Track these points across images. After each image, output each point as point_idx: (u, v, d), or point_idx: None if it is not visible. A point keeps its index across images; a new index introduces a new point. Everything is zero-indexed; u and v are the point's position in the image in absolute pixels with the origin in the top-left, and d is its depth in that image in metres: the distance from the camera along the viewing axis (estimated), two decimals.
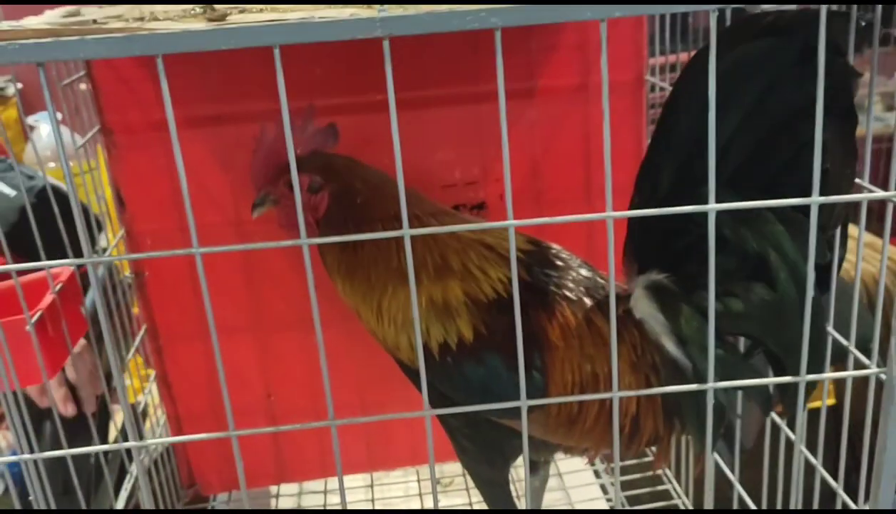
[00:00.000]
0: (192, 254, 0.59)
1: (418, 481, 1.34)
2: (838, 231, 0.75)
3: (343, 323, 1.22)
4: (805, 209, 0.70)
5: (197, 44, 0.51)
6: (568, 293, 0.86)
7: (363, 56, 1.08)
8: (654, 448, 0.90)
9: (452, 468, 1.36)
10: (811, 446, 0.97)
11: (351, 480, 1.35)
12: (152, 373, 1.26)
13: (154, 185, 1.12)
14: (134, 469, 1.17)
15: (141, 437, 1.23)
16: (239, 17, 0.57)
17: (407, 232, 0.59)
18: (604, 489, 1.32)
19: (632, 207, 0.85)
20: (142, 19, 0.61)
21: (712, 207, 0.61)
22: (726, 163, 0.74)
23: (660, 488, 1.25)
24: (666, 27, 1.19)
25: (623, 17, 0.53)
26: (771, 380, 0.71)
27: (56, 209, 0.95)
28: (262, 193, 0.87)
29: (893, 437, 0.61)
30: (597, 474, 1.36)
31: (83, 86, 1.09)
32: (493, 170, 1.17)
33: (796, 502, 0.73)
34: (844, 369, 0.79)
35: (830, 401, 1.97)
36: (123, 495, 1.13)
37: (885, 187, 0.68)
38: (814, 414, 0.95)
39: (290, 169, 0.57)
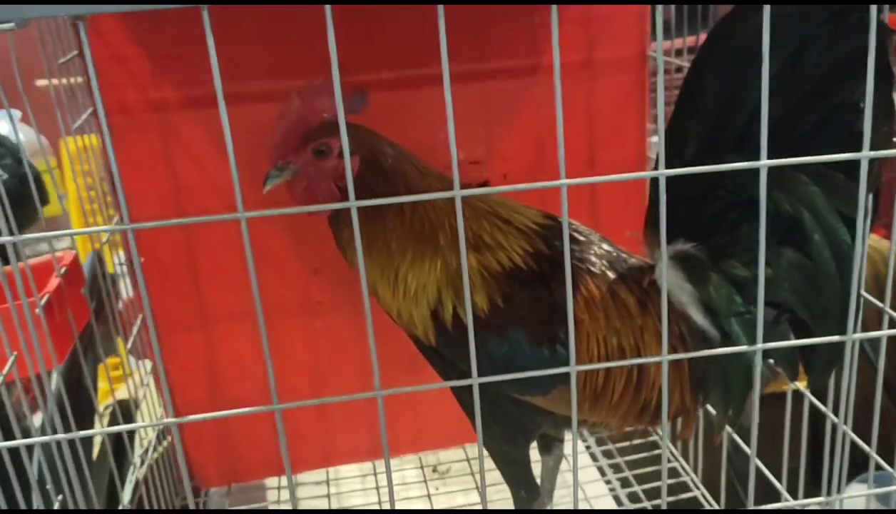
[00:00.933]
0: (237, 219, 0.55)
1: (422, 467, 1.32)
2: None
3: (348, 307, 1.21)
4: (841, 167, 0.70)
5: None
6: (591, 267, 0.85)
7: (370, 32, 1.06)
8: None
9: (449, 456, 1.34)
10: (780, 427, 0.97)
11: (347, 470, 1.33)
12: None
13: (151, 169, 1.09)
14: (136, 460, 1.13)
15: (131, 441, 1.19)
16: None
17: (458, 193, 0.57)
18: (601, 471, 1.31)
19: (654, 177, 0.84)
20: None
21: (764, 163, 0.60)
22: (757, 127, 0.73)
23: (668, 465, 1.24)
24: (683, 11, 1.17)
25: None
26: (823, 339, 0.70)
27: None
28: (280, 163, 0.83)
29: None
30: (593, 456, 1.35)
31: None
32: (497, 150, 1.16)
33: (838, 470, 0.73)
34: None
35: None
36: (128, 487, 1.09)
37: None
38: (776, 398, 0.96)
39: (340, 129, 0.54)
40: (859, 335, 0.66)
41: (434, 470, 1.33)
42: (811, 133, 0.73)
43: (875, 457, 0.76)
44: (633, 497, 1.21)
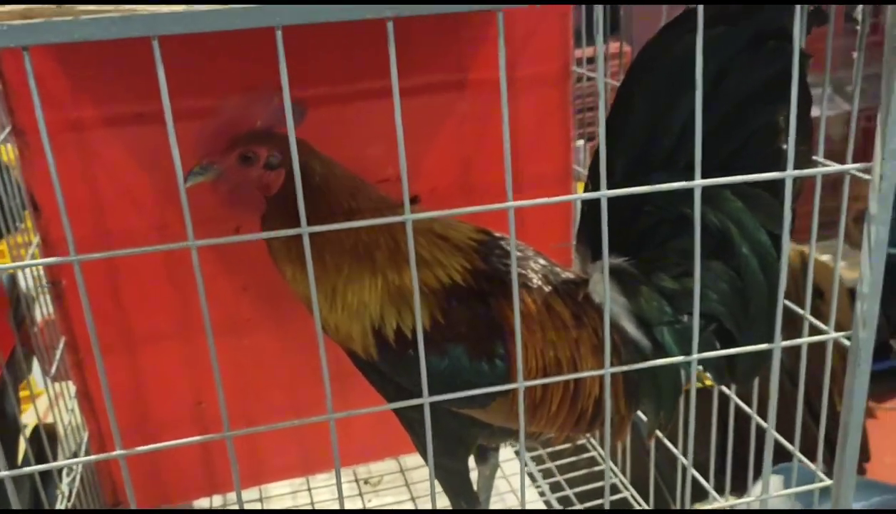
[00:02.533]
0: (187, 247, 0.55)
1: (356, 480, 1.32)
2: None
3: (278, 325, 1.20)
4: (763, 185, 0.74)
5: (200, 24, 0.48)
6: (528, 282, 0.87)
7: (303, 50, 1.05)
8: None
9: (380, 467, 1.35)
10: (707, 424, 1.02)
11: (278, 487, 1.32)
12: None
13: (70, 188, 1.05)
14: (65, 489, 1.09)
15: (54, 457, 1.15)
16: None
17: (409, 217, 0.58)
18: (532, 477, 1.34)
19: (589, 200, 0.87)
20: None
21: (698, 182, 0.63)
22: (684, 147, 0.77)
23: (596, 468, 1.28)
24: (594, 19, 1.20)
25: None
26: (752, 348, 0.74)
27: None
28: (205, 162, 0.82)
29: (860, 397, 0.65)
30: (515, 451, 1.38)
31: None
32: (424, 164, 1.17)
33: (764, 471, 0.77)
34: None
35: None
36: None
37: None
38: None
39: (276, 140, 0.54)
40: (784, 343, 0.70)
41: (366, 482, 1.34)
42: (735, 153, 0.77)
43: (798, 456, 0.80)
44: (565, 501, 1.24)
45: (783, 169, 0.72)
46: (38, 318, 1.23)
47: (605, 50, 1.17)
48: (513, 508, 1.23)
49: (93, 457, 0.68)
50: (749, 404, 0.93)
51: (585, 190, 0.86)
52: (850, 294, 2.42)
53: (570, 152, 1.20)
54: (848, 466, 0.68)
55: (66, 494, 1.10)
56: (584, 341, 0.86)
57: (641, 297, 0.85)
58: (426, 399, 0.63)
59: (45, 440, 1.14)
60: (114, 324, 1.13)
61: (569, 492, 1.24)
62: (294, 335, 1.18)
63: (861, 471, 2.68)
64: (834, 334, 0.72)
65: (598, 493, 1.21)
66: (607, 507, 0.75)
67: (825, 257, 3.34)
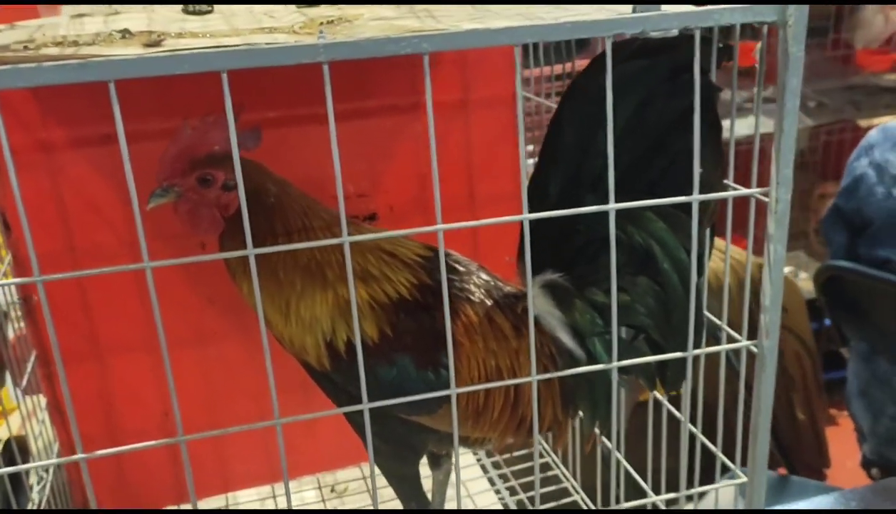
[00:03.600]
0: (142, 268, 0.60)
1: (319, 488, 1.37)
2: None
3: (243, 336, 1.25)
4: (683, 207, 0.80)
5: (150, 69, 0.53)
6: (470, 296, 0.93)
7: (258, 75, 1.11)
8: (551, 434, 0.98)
9: (346, 475, 1.40)
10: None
11: (245, 494, 1.36)
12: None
13: (40, 207, 1.10)
14: (35, 497, 1.14)
15: (27, 473, 1.20)
16: (175, 42, 0.60)
17: (346, 239, 0.64)
18: (491, 481, 1.39)
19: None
20: (68, 44, 0.62)
21: (612, 206, 0.69)
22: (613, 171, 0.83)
23: (549, 473, 1.34)
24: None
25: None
26: (666, 356, 0.80)
27: None
28: (165, 185, 0.87)
29: (766, 399, 0.71)
30: (484, 468, 1.43)
31: None
32: (382, 182, 1.23)
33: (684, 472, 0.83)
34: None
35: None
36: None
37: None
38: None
39: (229, 163, 0.60)
40: (699, 351, 0.76)
41: (332, 490, 1.38)
42: (659, 177, 0.84)
43: (721, 456, 0.86)
44: (521, 504, 1.30)
45: (704, 192, 0.79)
46: (10, 334, 1.27)
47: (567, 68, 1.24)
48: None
49: (55, 460, 0.73)
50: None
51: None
52: (808, 304, 2.49)
53: (520, 172, 1.26)
54: (759, 463, 0.75)
55: (37, 502, 1.14)
56: (524, 351, 0.91)
57: (576, 310, 0.91)
58: (366, 405, 0.69)
59: (16, 453, 1.19)
60: (83, 336, 1.18)
61: (523, 496, 1.30)
62: (260, 347, 1.22)
63: (821, 477, 2.76)
64: (745, 343, 0.78)
65: (553, 496, 1.27)
66: (537, 506, 0.80)
67: (787, 269, 3.43)
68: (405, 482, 0.99)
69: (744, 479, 0.79)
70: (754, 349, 0.75)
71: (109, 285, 1.17)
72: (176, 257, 1.17)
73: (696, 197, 0.71)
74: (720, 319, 0.91)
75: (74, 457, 0.64)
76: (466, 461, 1.43)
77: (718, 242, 1.72)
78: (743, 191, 0.72)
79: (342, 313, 0.88)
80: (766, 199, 0.69)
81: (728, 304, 0.88)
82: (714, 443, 0.88)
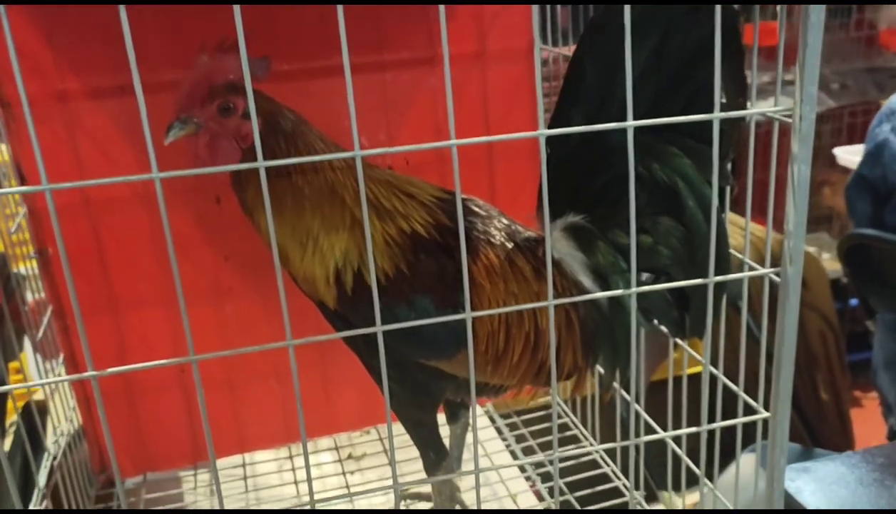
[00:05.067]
0: (151, 179, 0.59)
1: (338, 453, 1.36)
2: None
3: (259, 293, 1.24)
4: (707, 141, 0.78)
5: None
6: (490, 238, 0.92)
7: (273, 26, 1.10)
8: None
9: (363, 444, 1.38)
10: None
11: (262, 455, 1.36)
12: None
13: (56, 158, 1.10)
14: (51, 449, 1.14)
15: (44, 427, 1.20)
16: None
17: (358, 153, 0.62)
18: (499, 431, 1.38)
19: (548, 160, 0.91)
20: None
21: (630, 124, 0.67)
22: (634, 106, 0.81)
23: (568, 433, 1.33)
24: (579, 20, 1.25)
25: None
26: (687, 282, 0.78)
27: None
28: (184, 116, 0.86)
29: (791, 330, 0.69)
30: (492, 418, 1.42)
31: None
32: (398, 136, 1.21)
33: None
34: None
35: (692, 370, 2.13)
36: (43, 471, 1.10)
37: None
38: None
39: (244, 91, 0.59)
40: (720, 278, 0.74)
41: (349, 456, 1.37)
42: (682, 110, 0.81)
43: (743, 396, 0.85)
44: (539, 465, 1.28)
45: (727, 126, 0.78)
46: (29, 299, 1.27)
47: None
48: (490, 474, 1.27)
49: (66, 378, 0.72)
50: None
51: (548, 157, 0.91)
52: (831, 284, 2.46)
53: (537, 124, 1.25)
54: (783, 398, 0.73)
55: (53, 453, 1.14)
56: (544, 294, 0.90)
57: (598, 252, 0.89)
58: (379, 328, 0.68)
59: (35, 415, 1.19)
60: (99, 290, 1.17)
61: (541, 456, 1.28)
62: (276, 304, 1.22)
63: None
64: (768, 270, 0.76)
65: (571, 458, 1.25)
66: (556, 454, 0.79)
67: (811, 249, 3.39)
68: (423, 429, 0.97)
69: (766, 414, 0.77)
70: (775, 278, 0.73)
71: (125, 241, 1.17)
72: (193, 212, 1.18)
73: (716, 115, 0.70)
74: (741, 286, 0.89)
75: (85, 375, 0.64)
76: (481, 423, 1.42)
77: (738, 218, 1.72)
78: (761, 110, 0.70)
79: (356, 244, 0.86)
80: (789, 120, 0.67)
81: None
82: (736, 384, 0.86)
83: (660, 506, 1.39)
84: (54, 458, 1.13)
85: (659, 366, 1.88)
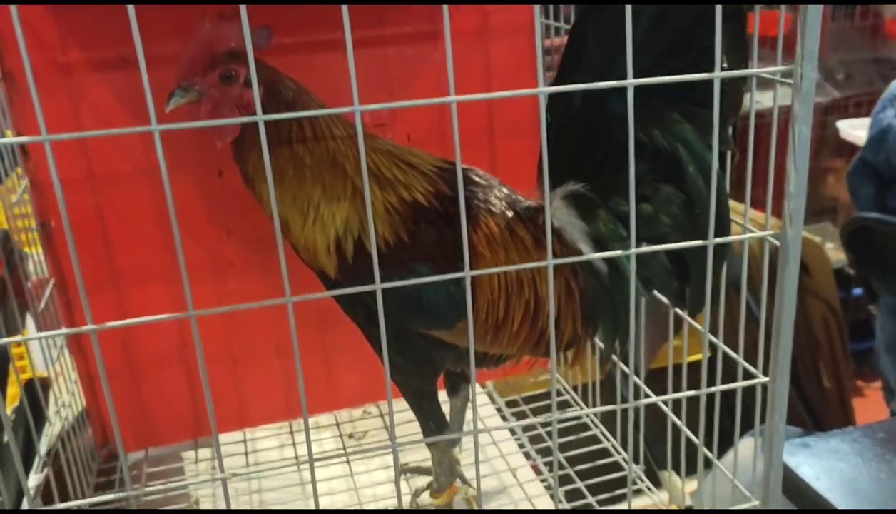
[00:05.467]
0: (150, 131, 0.59)
1: (337, 423, 1.36)
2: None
3: (261, 268, 1.24)
4: (708, 105, 0.78)
5: None
6: (491, 207, 0.92)
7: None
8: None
9: (365, 424, 1.38)
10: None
11: (263, 431, 1.36)
12: None
13: (59, 130, 1.09)
14: (52, 419, 1.14)
15: (46, 402, 1.20)
16: None
17: (358, 108, 0.63)
18: (499, 411, 1.39)
19: (548, 129, 0.91)
20: None
21: (630, 82, 0.68)
22: (635, 72, 0.81)
23: (569, 411, 1.33)
24: None
25: None
26: (684, 244, 0.78)
27: None
28: (186, 84, 0.86)
29: (790, 295, 0.69)
30: (491, 397, 1.43)
31: None
32: (400, 111, 1.21)
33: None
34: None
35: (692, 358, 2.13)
36: (44, 440, 1.11)
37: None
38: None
39: (246, 58, 0.59)
40: (718, 240, 0.75)
41: (350, 436, 1.38)
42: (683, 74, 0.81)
43: (743, 363, 0.85)
44: (538, 440, 1.29)
45: (729, 88, 0.78)
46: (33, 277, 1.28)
47: None
48: (489, 450, 1.28)
49: (64, 331, 0.72)
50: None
51: (547, 125, 0.91)
52: (835, 273, 2.48)
53: (539, 98, 1.25)
54: (782, 363, 0.73)
55: (53, 421, 1.14)
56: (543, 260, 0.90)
57: (599, 220, 0.89)
58: (378, 286, 0.68)
59: (38, 390, 1.19)
60: (101, 264, 1.18)
61: (541, 431, 1.29)
62: (278, 279, 1.22)
63: None
64: (767, 232, 0.76)
65: (571, 430, 1.26)
66: (555, 416, 0.79)
67: (816, 239, 3.39)
68: (424, 399, 0.98)
69: (765, 379, 0.78)
70: (775, 242, 0.73)
71: (128, 215, 1.17)
72: (195, 186, 1.18)
73: (717, 75, 0.70)
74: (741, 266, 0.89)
75: (84, 328, 0.64)
76: (482, 400, 1.42)
77: (739, 206, 1.70)
78: (767, 69, 0.70)
79: (357, 212, 0.87)
80: (789, 81, 0.67)
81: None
82: (736, 351, 0.86)
83: (660, 498, 1.39)
84: (60, 433, 1.14)
85: (660, 350, 1.88)
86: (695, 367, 0.96)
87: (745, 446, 1.04)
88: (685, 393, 0.82)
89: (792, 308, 0.71)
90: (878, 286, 2.17)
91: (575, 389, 1.37)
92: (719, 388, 0.81)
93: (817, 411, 2.80)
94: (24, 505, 0.94)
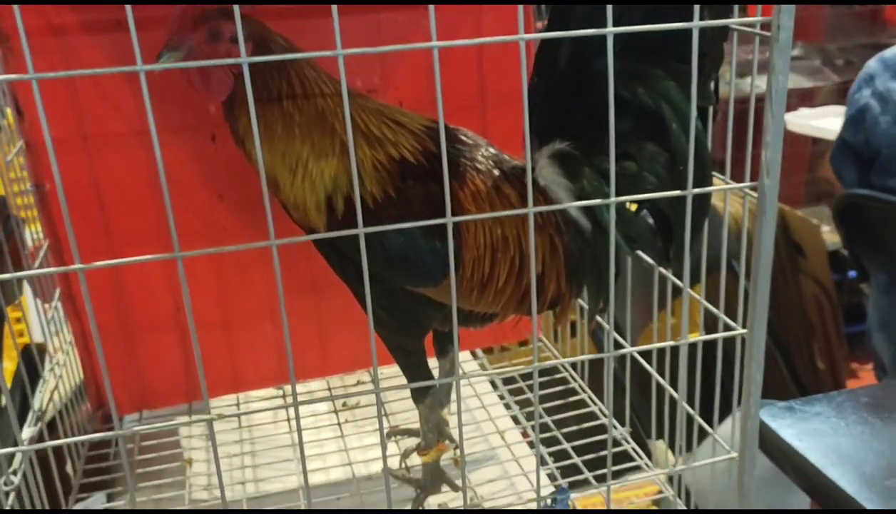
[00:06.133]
0: (135, 71, 0.60)
1: (329, 388, 1.38)
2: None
3: (254, 232, 1.26)
4: (689, 60, 0.79)
5: None
6: (478, 165, 0.93)
7: None
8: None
9: (359, 392, 1.40)
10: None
11: (256, 395, 1.38)
12: None
13: (53, 92, 1.11)
14: (46, 375, 1.16)
15: (42, 365, 1.22)
16: None
17: (340, 53, 0.64)
18: (493, 385, 1.40)
19: (532, 88, 0.92)
20: None
21: (610, 31, 0.69)
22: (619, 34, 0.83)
23: (557, 375, 1.35)
24: None
25: None
26: (663, 194, 0.80)
27: None
28: (175, 40, 0.87)
29: (767, 245, 0.71)
30: (483, 367, 1.45)
31: None
32: (392, 77, 1.22)
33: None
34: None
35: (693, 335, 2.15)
36: (38, 396, 1.13)
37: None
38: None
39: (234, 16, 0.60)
40: (697, 190, 0.76)
41: (343, 404, 1.39)
42: (663, 39, 0.82)
43: (722, 317, 0.86)
44: (527, 403, 1.30)
45: (710, 42, 0.79)
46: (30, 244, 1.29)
47: None
48: (477, 413, 1.29)
49: (54, 270, 0.74)
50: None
51: (530, 81, 0.92)
52: (831, 256, 2.51)
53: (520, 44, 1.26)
54: (759, 313, 0.74)
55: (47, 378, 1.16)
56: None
57: (584, 178, 0.90)
58: (361, 230, 0.69)
59: (36, 358, 1.21)
60: (95, 226, 1.19)
61: (529, 395, 1.30)
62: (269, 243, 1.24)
63: None
64: (745, 185, 0.77)
65: (559, 395, 1.27)
66: (536, 365, 0.80)
67: (814, 220, 3.40)
68: (411, 356, 0.99)
69: (743, 331, 0.79)
70: (754, 195, 0.74)
71: (123, 179, 1.18)
72: (188, 150, 1.19)
73: (695, 24, 0.71)
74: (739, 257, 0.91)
75: (73, 267, 0.65)
76: (471, 367, 1.44)
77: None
78: (745, 20, 0.71)
79: (347, 171, 0.88)
80: (768, 33, 0.68)
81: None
82: (717, 307, 0.87)
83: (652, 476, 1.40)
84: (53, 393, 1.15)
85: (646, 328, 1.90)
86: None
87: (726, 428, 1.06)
88: (666, 343, 0.84)
89: (769, 259, 0.72)
90: (870, 264, 2.18)
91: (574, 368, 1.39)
92: (700, 338, 0.83)
93: (811, 393, 2.82)
94: (17, 458, 0.96)
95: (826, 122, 2.91)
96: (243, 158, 0.95)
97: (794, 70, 4.22)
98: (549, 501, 0.84)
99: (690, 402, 0.96)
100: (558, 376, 1.33)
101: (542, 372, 1.31)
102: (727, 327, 0.84)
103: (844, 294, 3.22)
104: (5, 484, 0.87)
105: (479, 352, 1.47)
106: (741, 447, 0.81)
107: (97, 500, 1.24)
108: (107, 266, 0.67)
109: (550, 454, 1.14)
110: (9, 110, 1.15)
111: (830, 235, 3.23)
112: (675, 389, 0.97)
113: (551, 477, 1.13)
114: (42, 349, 1.29)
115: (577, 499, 0.91)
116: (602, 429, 1.20)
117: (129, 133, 1.16)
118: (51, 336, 1.23)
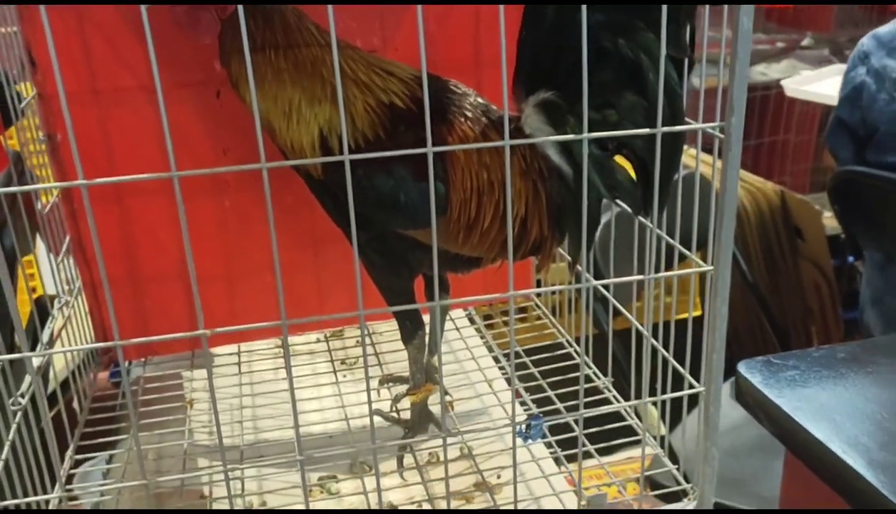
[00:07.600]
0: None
1: (326, 339, 1.43)
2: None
3: (256, 187, 1.30)
4: (671, 18, 0.83)
5: None
6: (466, 112, 0.98)
7: None
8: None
9: (357, 350, 1.45)
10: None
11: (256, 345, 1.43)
12: None
13: (66, 43, 1.16)
14: (55, 313, 1.21)
15: (46, 316, 1.27)
16: None
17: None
18: (489, 348, 1.44)
19: (521, 42, 0.97)
20: None
21: None
22: None
23: (546, 331, 1.39)
24: None
25: None
26: (632, 132, 0.84)
27: None
28: None
29: (732, 184, 0.75)
30: (471, 319, 1.50)
31: None
32: (392, 39, 1.27)
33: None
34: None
35: (697, 312, 2.18)
36: (47, 331, 1.18)
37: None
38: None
39: None
40: (666, 129, 0.80)
41: (342, 363, 1.44)
42: None
43: (688, 254, 0.90)
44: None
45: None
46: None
47: None
48: (466, 364, 1.34)
49: (56, 185, 0.78)
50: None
51: (520, 35, 0.96)
52: (830, 241, 2.55)
53: None
54: (724, 249, 0.78)
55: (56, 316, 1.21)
56: (514, 165, 0.96)
57: (567, 126, 0.94)
58: (346, 156, 0.74)
59: (48, 306, 1.27)
60: (106, 175, 1.23)
61: (519, 348, 1.35)
62: (274, 200, 1.29)
63: None
64: (714, 124, 0.81)
65: (548, 349, 1.32)
66: (511, 293, 0.85)
67: (816, 206, 3.42)
68: (401, 297, 1.04)
69: (709, 268, 0.83)
70: (719, 135, 0.79)
71: (131, 132, 1.23)
72: (194, 106, 1.24)
73: None
74: None
75: (76, 182, 0.70)
76: (462, 322, 1.48)
77: (745, 174, 1.76)
78: None
79: (339, 112, 0.92)
80: None
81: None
82: (689, 248, 0.92)
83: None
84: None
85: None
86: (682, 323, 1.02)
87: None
88: (634, 278, 0.88)
89: (734, 197, 0.77)
90: (863, 241, 2.21)
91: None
92: (672, 273, 0.87)
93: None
94: (25, 382, 1.01)
95: (824, 85, 2.91)
96: (246, 114, 1.00)
97: (803, 60, 4.24)
98: (523, 427, 0.88)
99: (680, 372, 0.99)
100: (548, 331, 1.38)
101: (540, 341, 1.35)
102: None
103: (844, 280, 3.24)
104: (13, 404, 0.93)
105: (477, 319, 1.51)
106: (706, 381, 0.85)
107: (98, 462, 1.29)
108: (106, 182, 0.71)
109: (527, 390, 1.19)
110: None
111: (831, 221, 3.26)
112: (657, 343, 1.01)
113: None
114: (53, 300, 1.34)
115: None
116: (588, 380, 1.25)
117: (138, 88, 1.21)
118: (61, 284, 1.28)
